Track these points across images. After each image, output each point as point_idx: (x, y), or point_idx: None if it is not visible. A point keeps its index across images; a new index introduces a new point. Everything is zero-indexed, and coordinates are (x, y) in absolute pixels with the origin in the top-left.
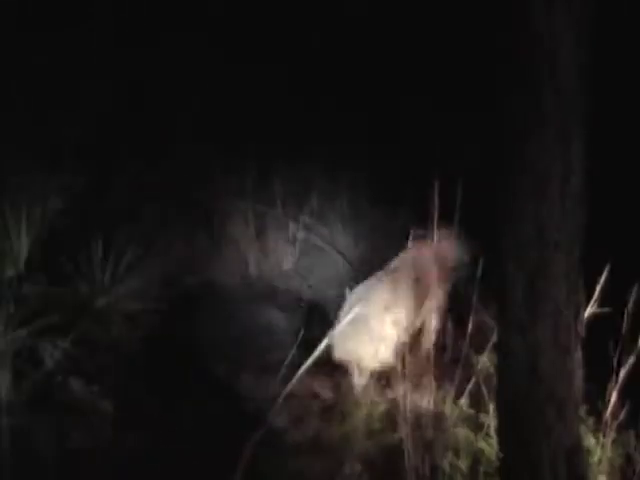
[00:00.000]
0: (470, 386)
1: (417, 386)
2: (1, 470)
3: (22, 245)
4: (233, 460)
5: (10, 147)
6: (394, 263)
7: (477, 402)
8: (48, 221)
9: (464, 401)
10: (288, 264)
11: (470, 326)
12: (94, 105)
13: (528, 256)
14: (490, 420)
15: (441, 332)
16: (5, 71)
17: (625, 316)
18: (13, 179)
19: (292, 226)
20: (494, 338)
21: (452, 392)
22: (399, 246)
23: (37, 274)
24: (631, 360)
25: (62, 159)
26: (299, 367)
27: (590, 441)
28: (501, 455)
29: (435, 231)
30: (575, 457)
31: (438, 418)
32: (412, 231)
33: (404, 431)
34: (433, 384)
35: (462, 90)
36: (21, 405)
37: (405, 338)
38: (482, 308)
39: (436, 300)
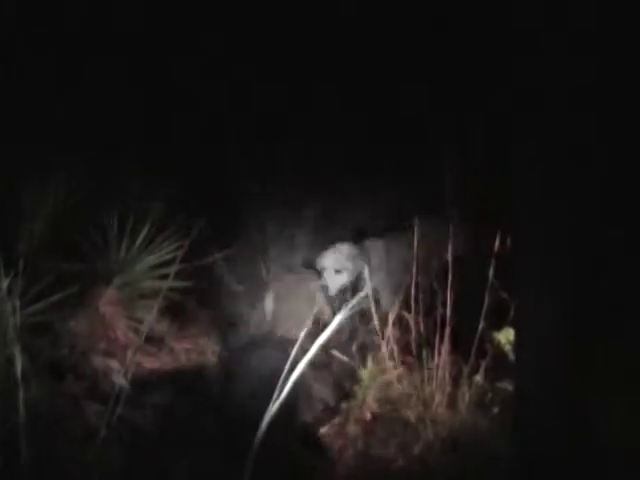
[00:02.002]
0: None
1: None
2: (17, 447)
3: (37, 220)
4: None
5: (23, 127)
6: None
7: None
8: (62, 197)
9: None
10: None
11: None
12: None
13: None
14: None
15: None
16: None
17: None
18: (27, 156)
19: None
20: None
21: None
22: None
23: (52, 250)
24: None
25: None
26: None
27: None
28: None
29: None
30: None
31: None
32: None
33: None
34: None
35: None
36: (37, 381)
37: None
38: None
39: None
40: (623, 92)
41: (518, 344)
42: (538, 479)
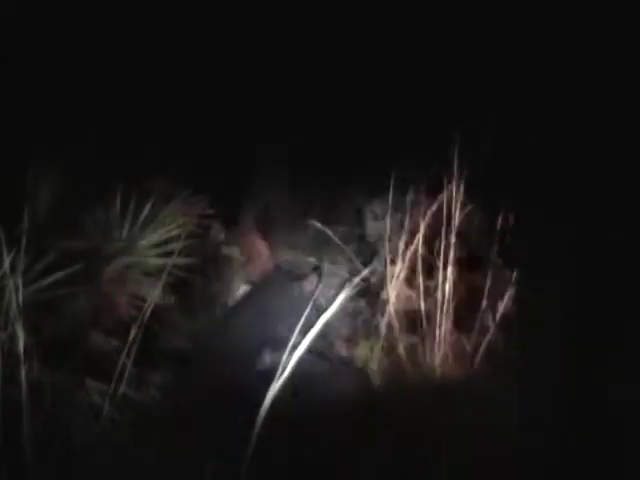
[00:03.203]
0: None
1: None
2: (19, 425)
3: (41, 198)
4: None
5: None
6: None
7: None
8: (67, 174)
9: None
10: None
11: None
12: None
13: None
14: None
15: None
16: None
17: None
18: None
19: None
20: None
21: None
22: None
23: (56, 228)
24: None
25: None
26: None
27: None
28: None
29: None
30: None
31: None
32: None
33: None
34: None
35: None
36: (40, 358)
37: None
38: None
39: None
40: (623, 91)
41: (522, 342)
42: (544, 472)
